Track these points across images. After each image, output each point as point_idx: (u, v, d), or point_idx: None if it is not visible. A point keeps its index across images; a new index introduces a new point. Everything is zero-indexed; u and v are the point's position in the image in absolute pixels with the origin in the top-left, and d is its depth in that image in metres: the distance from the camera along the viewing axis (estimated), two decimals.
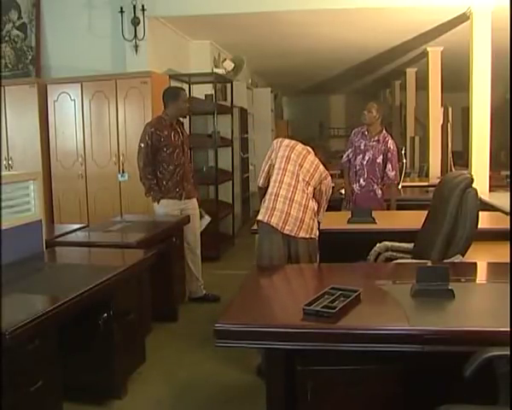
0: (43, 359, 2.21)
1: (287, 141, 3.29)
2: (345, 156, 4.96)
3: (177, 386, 3.10)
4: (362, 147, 4.77)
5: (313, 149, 3.30)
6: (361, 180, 4.75)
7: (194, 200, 4.50)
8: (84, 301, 2.37)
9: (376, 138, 4.73)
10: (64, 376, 2.41)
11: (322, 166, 3.26)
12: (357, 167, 4.78)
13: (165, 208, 4.33)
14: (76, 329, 2.70)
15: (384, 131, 4.79)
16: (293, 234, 3.08)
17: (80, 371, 2.80)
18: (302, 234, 3.09)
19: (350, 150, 4.90)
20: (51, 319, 2.16)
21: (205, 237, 4.81)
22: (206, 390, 3.05)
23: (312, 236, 3.15)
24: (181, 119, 4.49)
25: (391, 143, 4.73)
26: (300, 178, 3.16)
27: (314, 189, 3.22)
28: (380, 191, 4.75)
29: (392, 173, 4.71)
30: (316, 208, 3.21)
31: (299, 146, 3.25)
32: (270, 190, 3.19)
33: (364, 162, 4.73)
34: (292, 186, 3.13)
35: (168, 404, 2.93)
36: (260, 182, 3.36)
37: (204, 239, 4.72)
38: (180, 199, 4.34)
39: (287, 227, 3.07)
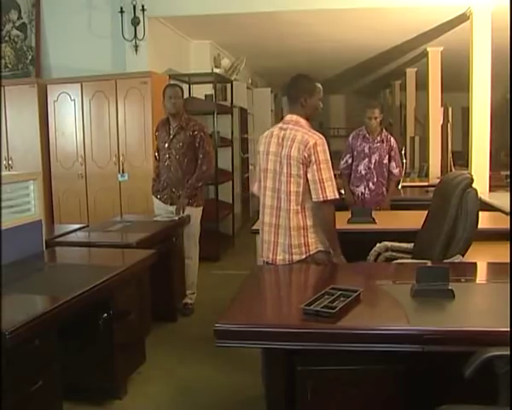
0: (43, 359, 2.21)
1: (268, 131, 2.89)
2: (343, 162, 4.81)
3: (177, 386, 3.10)
4: (366, 150, 4.69)
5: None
6: (370, 184, 4.68)
7: (188, 207, 4.20)
8: (84, 301, 2.37)
9: (379, 139, 4.69)
10: (64, 376, 2.41)
11: (310, 136, 2.71)
12: (364, 172, 4.69)
13: (154, 205, 4.39)
14: (76, 329, 2.70)
15: (384, 131, 4.78)
16: (287, 262, 2.74)
17: (80, 371, 2.80)
18: (296, 258, 2.72)
19: (348, 155, 4.78)
20: (51, 319, 2.16)
21: (205, 237, 4.80)
22: (206, 390, 3.05)
23: (312, 252, 2.73)
24: (184, 121, 4.18)
25: (393, 142, 4.74)
26: (283, 179, 2.70)
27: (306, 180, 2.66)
28: (386, 192, 4.77)
29: (396, 170, 4.75)
30: (310, 212, 2.72)
31: (277, 128, 2.84)
32: (260, 201, 2.87)
33: (372, 166, 4.67)
34: (276, 191, 2.75)
35: (168, 404, 2.93)
36: (253, 189, 3.00)
37: (204, 239, 4.71)
38: (166, 203, 4.27)
39: (278, 258, 2.77)
